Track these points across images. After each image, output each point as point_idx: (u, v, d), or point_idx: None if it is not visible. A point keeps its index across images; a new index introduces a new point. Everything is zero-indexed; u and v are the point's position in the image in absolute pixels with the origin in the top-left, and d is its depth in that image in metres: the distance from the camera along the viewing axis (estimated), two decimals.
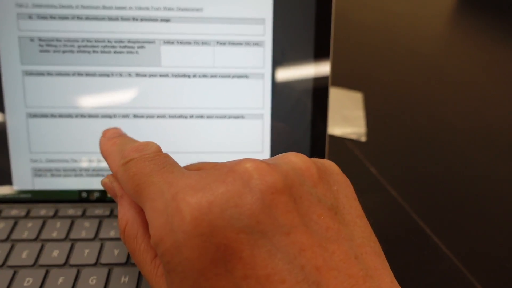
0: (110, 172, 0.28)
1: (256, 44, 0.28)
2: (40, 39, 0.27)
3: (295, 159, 0.15)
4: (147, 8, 0.27)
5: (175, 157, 0.28)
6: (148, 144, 0.17)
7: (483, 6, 0.81)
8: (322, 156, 0.29)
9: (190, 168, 0.17)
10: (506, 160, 0.40)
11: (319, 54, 0.28)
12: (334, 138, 0.41)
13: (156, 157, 0.16)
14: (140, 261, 0.16)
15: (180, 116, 0.28)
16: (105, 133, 0.21)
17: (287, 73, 0.28)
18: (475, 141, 0.43)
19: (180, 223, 0.13)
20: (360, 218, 0.15)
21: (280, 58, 0.28)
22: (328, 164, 0.16)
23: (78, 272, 0.23)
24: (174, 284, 0.13)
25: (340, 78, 0.50)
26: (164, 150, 0.28)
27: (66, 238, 0.25)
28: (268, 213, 0.12)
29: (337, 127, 0.42)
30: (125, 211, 0.17)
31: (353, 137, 0.41)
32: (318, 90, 0.28)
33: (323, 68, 0.28)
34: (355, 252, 0.13)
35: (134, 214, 0.17)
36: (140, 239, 0.16)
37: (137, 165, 0.16)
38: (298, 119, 0.28)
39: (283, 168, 0.14)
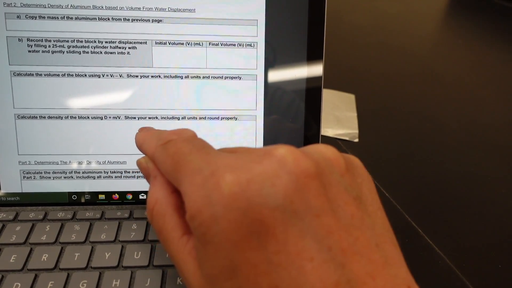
0: (101, 175, 0.28)
1: (249, 45, 0.27)
2: (28, 39, 0.26)
3: (326, 150, 0.16)
4: (139, 9, 0.26)
5: None
6: (185, 129, 0.18)
7: (473, 8, 0.82)
8: None
9: (225, 151, 0.17)
10: (497, 159, 0.41)
11: (312, 55, 0.28)
12: (327, 139, 0.41)
13: (194, 139, 0.17)
14: (167, 239, 0.17)
15: (172, 118, 0.28)
16: (140, 129, 0.22)
17: (280, 74, 0.28)
18: (467, 140, 0.43)
19: (219, 197, 0.13)
20: (380, 211, 0.16)
21: (273, 59, 0.28)
22: (353, 158, 0.17)
23: (68, 276, 0.23)
24: (208, 255, 0.14)
25: (333, 79, 0.50)
26: None
27: (55, 241, 0.25)
28: (301, 195, 0.13)
29: (330, 128, 0.42)
30: (156, 190, 0.18)
31: (346, 138, 0.41)
32: (311, 91, 0.28)
33: (315, 69, 0.28)
34: (376, 240, 0.14)
35: (164, 194, 0.18)
36: (168, 218, 0.17)
37: (176, 145, 0.17)
38: (291, 120, 0.28)
39: (314, 156, 0.15)
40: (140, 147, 0.21)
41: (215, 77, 0.27)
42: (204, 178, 0.14)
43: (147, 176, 0.20)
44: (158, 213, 0.17)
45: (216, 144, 0.28)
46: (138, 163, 0.20)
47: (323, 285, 0.12)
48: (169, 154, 0.17)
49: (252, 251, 0.13)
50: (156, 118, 0.27)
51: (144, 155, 0.20)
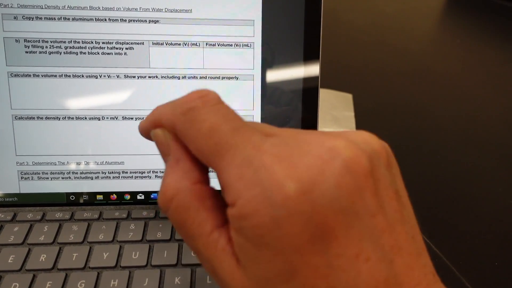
0: (98, 175, 0.28)
1: (246, 45, 0.27)
2: (26, 40, 0.26)
3: (371, 140, 0.15)
4: (136, 9, 0.27)
5: None
6: (206, 90, 0.15)
7: (470, 7, 0.82)
8: None
9: (258, 129, 0.15)
10: (494, 157, 0.41)
11: (309, 55, 0.28)
12: None
13: (222, 107, 0.15)
14: (192, 235, 0.15)
15: None
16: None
17: (277, 74, 0.28)
18: (464, 139, 0.44)
19: (282, 198, 0.12)
20: (408, 200, 0.16)
21: (269, 60, 0.28)
22: (387, 146, 0.16)
23: (66, 277, 0.23)
24: (263, 258, 0.13)
25: (330, 78, 0.51)
26: (153, 152, 0.28)
27: (53, 242, 0.25)
28: (361, 195, 0.13)
29: (327, 128, 0.42)
30: (177, 179, 0.15)
31: None
32: (308, 90, 0.28)
33: (312, 69, 0.28)
34: (412, 232, 0.14)
35: (188, 184, 0.15)
36: (193, 212, 0.15)
37: (204, 116, 0.14)
38: (288, 120, 0.28)
39: (367, 150, 0.14)
40: (152, 119, 0.17)
41: (212, 77, 0.28)
42: (257, 174, 0.13)
43: (165, 154, 0.16)
44: (179, 205, 0.15)
45: None
46: (155, 135, 0.17)
47: (375, 283, 0.13)
48: (200, 129, 0.14)
49: (314, 255, 0.13)
50: None
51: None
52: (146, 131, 0.17)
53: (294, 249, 0.13)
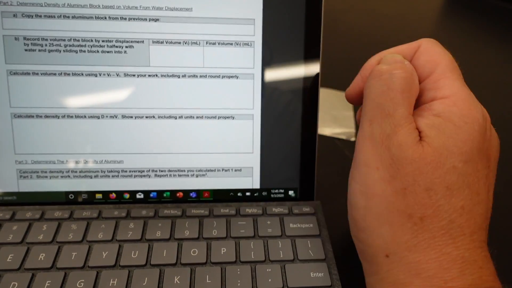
0: (98, 174, 0.28)
1: (246, 44, 0.27)
2: (25, 38, 0.26)
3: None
4: (136, 7, 0.26)
5: (165, 158, 0.28)
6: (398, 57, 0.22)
7: (468, 8, 0.82)
8: (312, 156, 0.29)
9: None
10: None
11: (309, 54, 0.28)
12: (324, 138, 0.41)
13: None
14: (401, 102, 0.20)
15: (170, 117, 0.28)
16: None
17: (277, 74, 0.28)
18: None
19: (482, 121, 0.19)
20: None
21: (270, 59, 0.28)
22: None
23: (65, 276, 0.23)
24: (458, 136, 0.18)
25: (330, 78, 0.50)
26: (153, 151, 0.28)
27: (52, 241, 0.25)
28: (487, 157, 0.20)
29: (327, 127, 0.42)
30: (412, 68, 0.21)
31: (343, 137, 0.41)
32: (308, 90, 0.28)
33: (313, 68, 0.28)
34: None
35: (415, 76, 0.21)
36: (413, 84, 0.20)
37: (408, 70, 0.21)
38: (288, 119, 0.28)
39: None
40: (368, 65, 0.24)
41: (212, 76, 0.27)
42: (470, 96, 0.20)
43: (386, 68, 0.21)
44: (408, 70, 0.20)
45: (213, 144, 0.28)
46: (383, 59, 0.22)
47: (471, 203, 0.18)
48: (442, 53, 0.22)
49: (477, 158, 0.19)
50: (153, 117, 0.27)
51: None
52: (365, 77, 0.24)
53: (477, 147, 0.19)
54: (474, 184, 0.18)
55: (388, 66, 0.21)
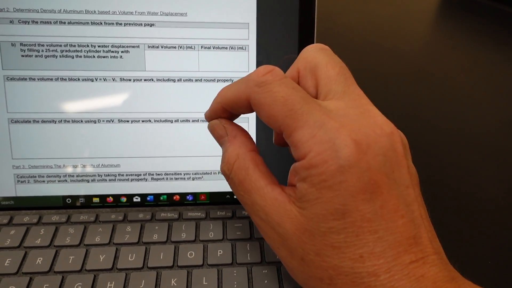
0: (95, 178, 0.28)
1: (241, 48, 0.28)
2: (21, 44, 0.26)
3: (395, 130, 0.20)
4: (131, 13, 0.27)
5: (161, 162, 0.28)
6: (272, 67, 0.19)
7: (463, 10, 0.83)
8: None
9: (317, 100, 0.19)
10: (488, 158, 0.41)
11: None
12: None
13: (289, 81, 0.18)
14: (251, 188, 0.19)
15: (166, 121, 0.28)
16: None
17: None
18: (458, 140, 0.44)
19: (346, 153, 0.16)
20: None
21: (264, 62, 0.28)
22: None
23: (63, 279, 0.23)
24: (321, 199, 0.17)
25: None
26: (149, 154, 0.28)
27: (50, 245, 0.25)
28: (399, 169, 0.17)
29: None
30: (236, 148, 0.20)
31: None
32: None
33: None
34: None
35: (245, 151, 0.20)
36: (251, 171, 0.19)
37: (277, 88, 0.18)
38: None
39: (401, 135, 0.19)
40: (226, 93, 0.20)
41: (208, 80, 0.28)
42: (329, 135, 0.17)
43: (220, 137, 0.21)
44: (239, 167, 0.19)
45: (209, 147, 0.28)
46: (213, 124, 0.21)
47: (407, 235, 0.17)
48: (276, 98, 0.18)
49: (364, 202, 0.16)
50: (150, 121, 0.28)
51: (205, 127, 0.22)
52: (215, 116, 0.22)
53: (350, 194, 0.16)
54: (363, 227, 0.16)
55: (222, 164, 0.20)
